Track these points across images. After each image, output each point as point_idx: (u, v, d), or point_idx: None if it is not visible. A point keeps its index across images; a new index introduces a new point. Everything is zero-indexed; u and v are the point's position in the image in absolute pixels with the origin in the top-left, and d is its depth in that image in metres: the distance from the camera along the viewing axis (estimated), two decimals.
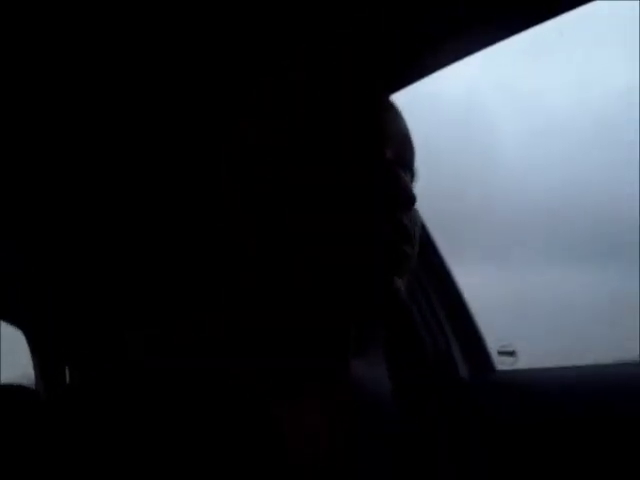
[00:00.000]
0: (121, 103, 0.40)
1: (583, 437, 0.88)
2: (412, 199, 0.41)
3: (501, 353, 1.12)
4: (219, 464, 0.37)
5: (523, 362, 1.08)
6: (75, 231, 0.44)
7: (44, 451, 0.36)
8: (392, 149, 0.42)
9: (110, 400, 0.37)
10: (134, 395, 0.37)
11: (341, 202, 0.38)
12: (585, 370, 1.01)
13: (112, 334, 0.43)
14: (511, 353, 1.11)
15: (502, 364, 1.09)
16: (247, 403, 0.40)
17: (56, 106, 0.46)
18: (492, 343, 1.12)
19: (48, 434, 0.37)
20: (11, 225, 0.68)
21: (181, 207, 0.37)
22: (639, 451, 0.83)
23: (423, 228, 1.08)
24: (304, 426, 0.41)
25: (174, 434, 0.37)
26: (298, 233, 0.38)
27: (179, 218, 0.38)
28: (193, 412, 0.38)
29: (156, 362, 0.40)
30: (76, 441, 0.35)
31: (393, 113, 0.46)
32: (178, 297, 0.39)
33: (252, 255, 0.38)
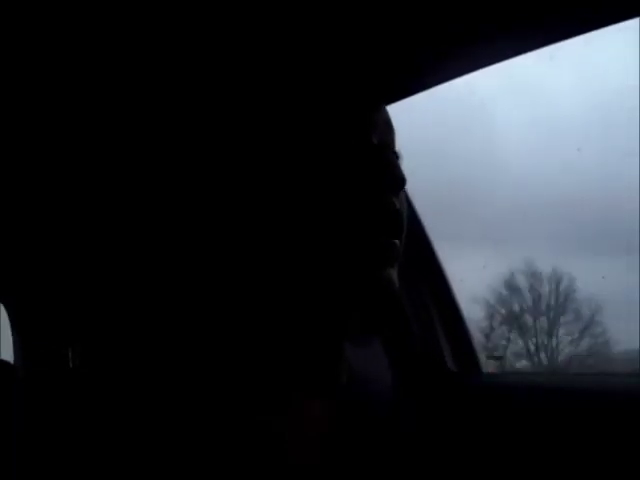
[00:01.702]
0: (120, 103, 0.39)
1: (565, 441, 0.88)
2: (403, 180, 0.41)
3: (489, 357, 1.12)
4: (218, 464, 0.37)
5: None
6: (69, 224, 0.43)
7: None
8: (376, 134, 0.42)
9: (107, 393, 0.37)
10: (134, 392, 0.37)
11: (331, 193, 0.38)
12: (572, 378, 1.02)
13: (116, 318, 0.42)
14: (498, 357, 1.11)
15: (489, 368, 1.09)
16: (245, 403, 0.39)
17: (55, 106, 0.45)
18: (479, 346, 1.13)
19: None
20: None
21: (174, 203, 0.38)
22: (623, 459, 0.84)
23: (418, 222, 1.08)
24: (304, 427, 0.41)
25: (173, 434, 0.37)
26: (289, 227, 0.38)
27: (173, 213, 0.39)
28: (191, 411, 0.38)
29: (154, 359, 0.40)
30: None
31: None
32: (174, 293, 0.40)
33: (243, 253, 0.38)
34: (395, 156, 0.44)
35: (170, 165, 0.39)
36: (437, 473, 0.49)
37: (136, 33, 0.42)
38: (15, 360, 1.15)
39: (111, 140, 0.40)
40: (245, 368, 0.40)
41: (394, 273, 0.41)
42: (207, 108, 0.39)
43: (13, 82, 0.47)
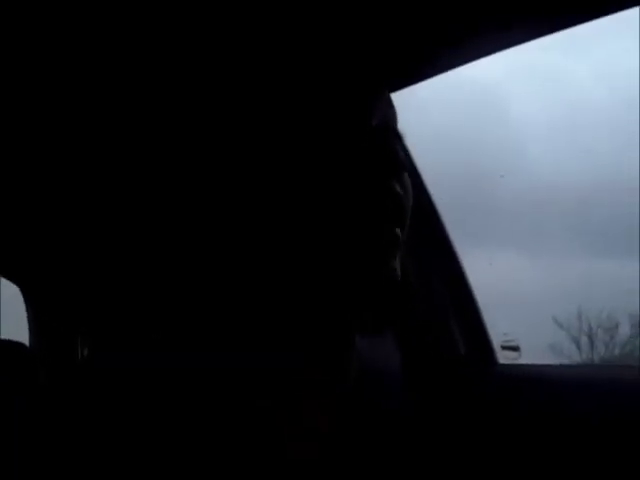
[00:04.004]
0: (121, 103, 0.39)
1: (584, 434, 0.87)
2: (402, 165, 0.40)
3: (504, 348, 1.10)
4: (217, 463, 0.38)
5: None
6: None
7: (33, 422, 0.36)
8: (377, 115, 0.41)
9: (109, 394, 0.37)
10: (136, 393, 0.38)
11: (331, 182, 0.38)
12: (590, 369, 1.00)
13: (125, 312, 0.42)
14: (515, 348, 1.10)
15: (505, 359, 1.08)
16: (244, 400, 0.40)
17: (56, 106, 0.45)
18: (495, 337, 1.11)
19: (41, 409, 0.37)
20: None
21: (177, 202, 0.39)
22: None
23: (432, 208, 1.06)
24: (303, 421, 0.41)
25: (173, 433, 0.38)
26: (289, 217, 0.38)
27: (175, 212, 0.39)
28: (191, 410, 0.39)
29: (156, 359, 0.40)
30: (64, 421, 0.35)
31: None
32: (174, 293, 0.41)
33: (245, 245, 0.38)
34: (397, 136, 0.43)
35: (172, 162, 0.38)
36: (446, 468, 0.48)
37: (137, 33, 0.42)
38: (30, 343, 1.17)
39: (113, 139, 0.40)
40: (247, 361, 0.40)
41: (396, 262, 0.40)
42: (202, 93, 0.38)
43: (16, 83, 0.47)
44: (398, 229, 0.40)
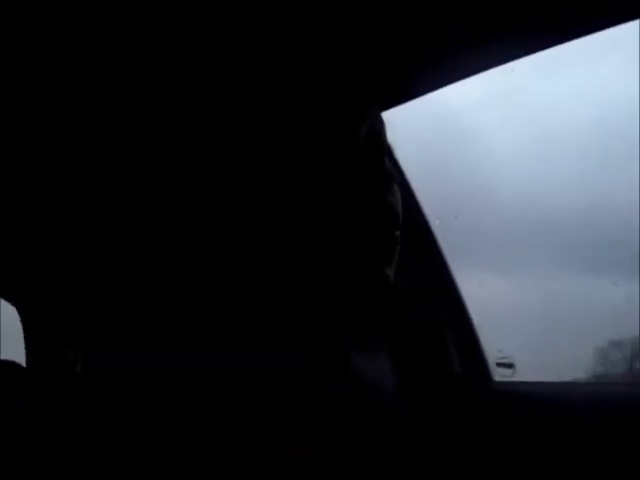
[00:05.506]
0: (121, 102, 0.40)
1: (578, 450, 0.87)
2: (391, 175, 0.40)
3: (499, 365, 1.10)
4: (214, 463, 0.38)
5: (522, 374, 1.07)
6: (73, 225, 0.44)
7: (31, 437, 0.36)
8: (364, 126, 0.42)
9: (108, 396, 0.37)
10: (132, 394, 0.38)
11: (321, 191, 0.38)
12: (584, 386, 1.00)
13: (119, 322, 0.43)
14: (510, 365, 1.10)
15: (500, 376, 1.08)
16: (242, 400, 0.40)
17: (56, 106, 0.46)
18: (490, 354, 1.11)
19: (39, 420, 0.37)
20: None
21: (176, 202, 0.39)
22: (632, 469, 0.82)
23: (425, 224, 1.07)
24: (301, 423, 0.41)
25: (169, 433, 0.38)
26: (282, 225, 0.38)
27: (174, 212, 0.39)
28: (188, 411, 0.39)
29: (152, 359, 0.40)
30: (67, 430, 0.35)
31: None
32: (171, 293, 0.41)
33: (243, 246, 0.39)
34: (386, 150, 0.44)
35: (169, 165, 0.39)
36: (444, 471, 0.48)
37: (136, 33, 0.42)
38: (27, 362, 1.17)
39: (113, 140, 0.40)
40: (244, 361, 0.40)
41: (389, 269, 0.40)
42: (206, 107, 0.39)
43: (14, 82, 0.48)
44: (393, 231, 0.40)
